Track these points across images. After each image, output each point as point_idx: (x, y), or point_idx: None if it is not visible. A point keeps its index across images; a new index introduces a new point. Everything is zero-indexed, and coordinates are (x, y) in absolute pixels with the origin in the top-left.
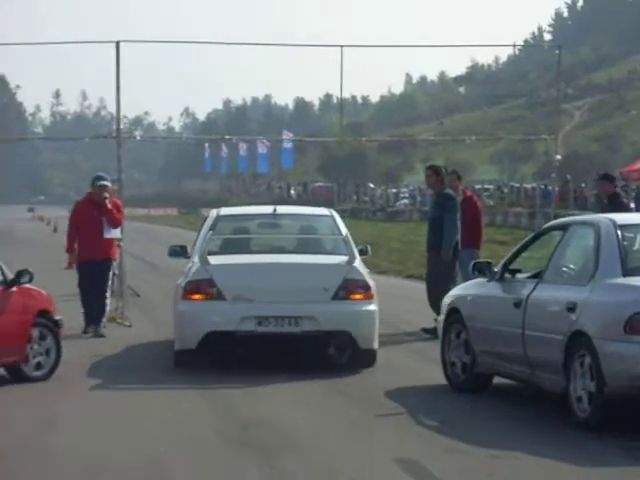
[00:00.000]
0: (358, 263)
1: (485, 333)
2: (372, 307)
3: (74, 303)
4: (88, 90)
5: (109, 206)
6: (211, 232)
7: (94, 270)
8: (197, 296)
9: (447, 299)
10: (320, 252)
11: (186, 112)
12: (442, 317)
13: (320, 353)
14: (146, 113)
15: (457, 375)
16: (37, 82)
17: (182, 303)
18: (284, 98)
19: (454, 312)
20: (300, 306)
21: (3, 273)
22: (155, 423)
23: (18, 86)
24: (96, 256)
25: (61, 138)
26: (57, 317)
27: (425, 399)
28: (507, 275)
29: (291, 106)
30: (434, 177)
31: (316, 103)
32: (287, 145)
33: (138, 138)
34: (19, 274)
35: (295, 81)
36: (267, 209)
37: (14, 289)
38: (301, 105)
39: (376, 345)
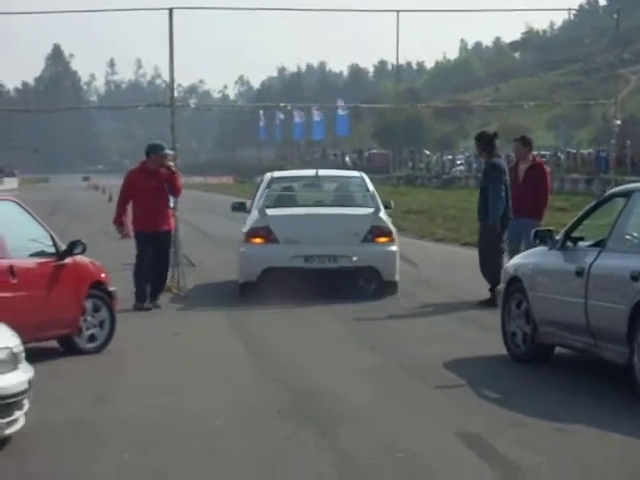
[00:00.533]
0: (382, 214)
1: (546, 303)
2: (393, 248)
3: (128, 273)
4: (143, 58)
5: (177, 174)
6: (267, 190)
7: (154, 241)
8: (257, 240)
9: (508, 268)
10: (352, 205)
11: (241, 80)
12: (502, 286)
13: (352, 285)
14: (201, 81)
15: (517, 345)
16: (91, 51)
17: (245, 245)
18: (339, 65)
19: (515, 281)
20: (337, 247)
21: (55, 244)
22: (210, 395)
23: (72, 55)
24: (157, 227)
25: (115, 107)
26: (111, 288)
27: (485, 370)
28: (569, 243)
29: (346, 73)
30: (479, 146)
31: (370, 70)
32: (342, 112)
33: (192, 106)
34: (72, 245)
35: (350, 48)
36: (311, 172)
37: (67, 260)
38: (356, 72)
39: (397, 278)
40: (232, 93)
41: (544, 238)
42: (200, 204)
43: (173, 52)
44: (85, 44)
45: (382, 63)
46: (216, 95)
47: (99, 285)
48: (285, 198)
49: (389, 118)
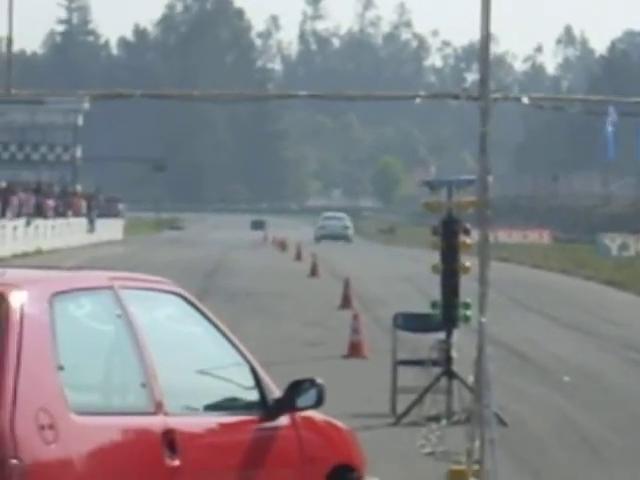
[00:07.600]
0: (349, 221)
1: None
2: (352, 232)
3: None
4: None
5: None
6: (322, 217)
7: None
8: (320, 229)
9: None
10: (342, 219)
11: (567, 37)
12: None
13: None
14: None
15: None
16: None
17: (317, 231)
18: None
19: None
20: (340, 230)
21: (260, 385)
22: None
23: None
24: None
25: (341, 96)
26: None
27: None
28: None
29: None
30: None
31: None
32: None
33: (525, 101)
34: (294, 389)
35: None
36: (334, 213)
37: (283, 420)
38: None
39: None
40: (551, 62)
41: None
42: (498, 289)
43: None
44: None
45: None
46: (519, 65)
47: (347, 472)
48: (326, 219)
49: None
